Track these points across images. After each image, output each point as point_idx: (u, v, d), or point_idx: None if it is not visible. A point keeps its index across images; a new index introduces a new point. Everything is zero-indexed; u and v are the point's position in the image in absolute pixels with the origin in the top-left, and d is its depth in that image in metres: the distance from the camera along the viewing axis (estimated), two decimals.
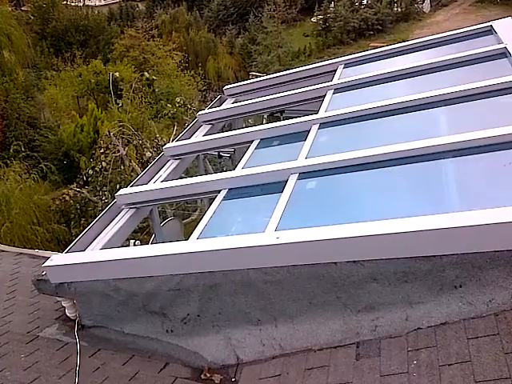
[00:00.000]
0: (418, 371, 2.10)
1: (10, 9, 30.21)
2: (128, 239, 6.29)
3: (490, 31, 4.75)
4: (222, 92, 6.42)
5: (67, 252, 3.48)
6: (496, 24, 4.76)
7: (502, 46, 4.14)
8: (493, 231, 2.17)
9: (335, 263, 2.47)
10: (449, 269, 2.27)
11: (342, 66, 5.47)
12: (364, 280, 2.44)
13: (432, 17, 43.76)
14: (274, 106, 5.32)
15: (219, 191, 3.57)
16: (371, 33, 40.85)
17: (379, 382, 2.15)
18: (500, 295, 2.21)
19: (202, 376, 2.81)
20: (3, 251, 5.37)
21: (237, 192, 3.55)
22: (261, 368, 2.66)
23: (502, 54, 4.07)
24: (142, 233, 11.25)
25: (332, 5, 43.59)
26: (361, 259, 2.42)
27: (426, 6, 45.39)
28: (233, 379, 2.70)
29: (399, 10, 43.63)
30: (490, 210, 2.23)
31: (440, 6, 45.59)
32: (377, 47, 5.85)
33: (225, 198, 3.49)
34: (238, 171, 3.76)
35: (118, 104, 22.06)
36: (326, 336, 2.58)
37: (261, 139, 4.37)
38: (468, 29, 5.05)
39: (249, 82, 6.43)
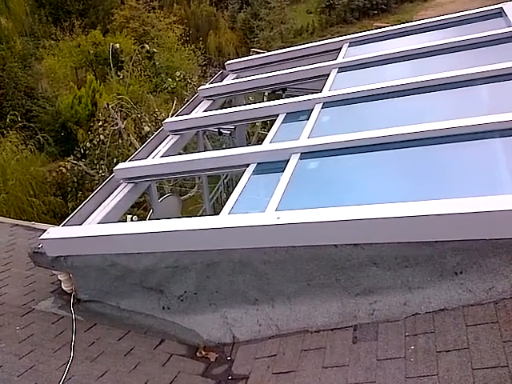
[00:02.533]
0: (415, 357, 2.09)
1: None
2: (125, 214, 6.27)
3: (500, 13, 4.65)
4: (223, 67, 6.32)
5: (64, 225, 3.44)
6: (506, 6, 4.65)
7: (511, 29, 4.05)
8: (496, 218, 2.13)
9: (335, 245, 2.44)
10: (450, 255, 2.25)
11: (347, 44, 5.37)
12: (364, 263, 2.42)
13: None
14: (277, 83, 5.23)
15: (247, 165, 3.45)
16: (375, 12, 40.28)
17: (376, 366, 2.14)
18: (500, 283, 2.20)
19: (197, 354, 2.80)
20: None
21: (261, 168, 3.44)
22: (257, 348, 2.66)
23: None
24: (139, 208, 11.23)
25: None
26: (362, 242, 2.39)
27: None
28: (228, 358, 2.70)
29: None
30: (495, 197, 2.20)
31: None
32: (380, 27, 5.73)
33: (254, 173, 3.37)
34: (264, 146, 3.65)
35: (119, 76, 21.76)
36: (324, 318, 2.57)
37: (287, 113, 4.22)
38: (477, 10, 4.94)
39: (251, 57, 6.33)
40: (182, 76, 19.32)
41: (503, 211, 2.10)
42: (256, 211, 2.77)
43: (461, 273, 2.27)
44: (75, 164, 14.88)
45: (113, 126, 14.47)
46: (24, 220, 6.37)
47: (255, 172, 3.36)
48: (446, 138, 2.91)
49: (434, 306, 2.31)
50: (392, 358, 2.14)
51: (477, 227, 2.18)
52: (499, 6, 4.74)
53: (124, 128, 14.48)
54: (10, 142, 16.22)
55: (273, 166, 3.34)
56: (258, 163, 3.43)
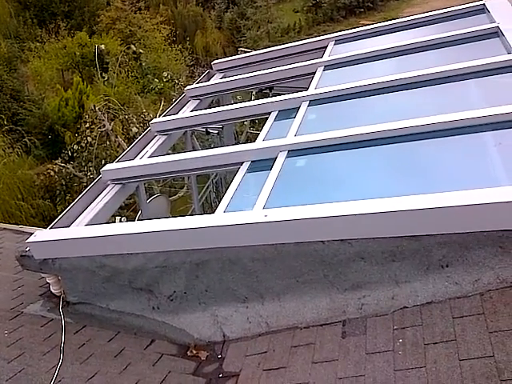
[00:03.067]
0: (403, 349, 2.12)
1: None
2: (114, 216, 6.25)
3: (483, 10, 4.69)
4: (210, 67, 6.31)
5: (51, 228, 3.42)
6: (489, 3, 4.70)
7: (494, 25, 4.10)
8: (481, 211, 2.16)
9: (323, 242, 2.45)
10: (436, 248, 2.28)
11: (333, 42, 5.39)
12: (351, 259, 2.44)
13: None
14: (264, 82, 5.24)
15: (241, 163, 3.42)
16: (362, 10, 40.45)
17: (365, 360, 2.16)
18: (486, 275, 2.23)
19: (188, 353, 2.81)
20: None
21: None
22: (247, 345, 2.67)
23: (494, 33, 4.03)
24: (128, 209, 11.18)
25: None
26: (349, 238, 2.41)
27: None
28: (219, 356, 2.71)
29: None
30: (479, 190, 2.23)
31: None
32: (367, 25, 5.76)
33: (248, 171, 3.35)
34: (257, 143, 3.61)
35: (104, 77, 21.60)
36: (313, 314, 2.58)
37: (279, 111, 4.17)
38: (460, 7, 4.99)
39: (238, 57, 6.32)
40: (169, 76, 19.25)
41: (487, 204, 2.14)
42: (250, 208, 2.75)
43: (447, 266, 2.30)
44: (63, 167, 14.75)
45: (100, 127, 14.38)
46: (12, 224, 6.32)
47: (249, 170, 3.34)
48: (432, 133, 2.94)
49: (422, 300, 2.34)
50: (381, 352, 2.16)
51: (461, 220, 2.20)
52: (481, 2, 4.79)
53: (111, 129, 14.40)
54: None
55: (267, 163, 3.33)
56: (253, 161, 3.41)
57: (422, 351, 2.06)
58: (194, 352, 2.79)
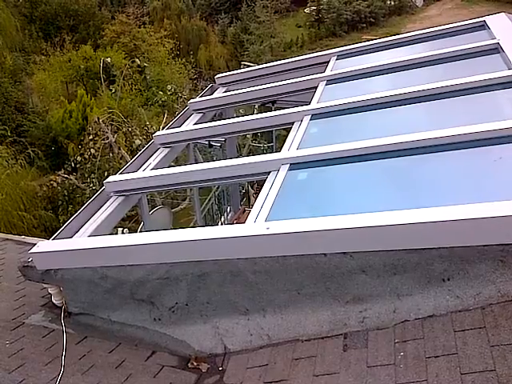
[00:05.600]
0: (404, 363, 2.11)
1: None
2: (116, 227, 6.27)
3: (483, 26, 4.75)
4: (214, 81, 6.38)
5: (54, 239, 3.44)
6: (489, 19, 4.76)
7: (494, 41, 4.15)
8: (482, 225, 2.17)
9: (325, 254, 2.46)
10: (437, 262, 2.28)
11: (335, 57, 5.45)
12: (353, 272, 2.44)
13: (425, 11, 43.90)
14: (266, 96, 5.29)
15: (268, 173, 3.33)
16: (364, 25, 40.91)
17: (366, 373, 2.16)
18: (487, 289, 2.23)
19: (188, 365, 2.80)
20: None
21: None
22: (248, 357, 2.66)
23: (495, 49, 4.08)
24: (131, 221, 11.20)
25: None
26: (350, 251, 2.42)
27: (419, 0, 45.45)
28: (220, 368, 2.70)
29: (392, 3, 43.66)
30: (480, 204, 2.24)
31: (433, 0, 45.68)
32: (369, 40, 5.83)
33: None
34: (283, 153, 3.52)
35: (112, 90, 21.79)
36: (314, 327, 2.58)
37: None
38: (461, 23, 5.05)
39: (241, 71, 6.40)
40: (172, 89, 19.39)
41: (488, 218, 2.15)
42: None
43: (448, 279, 2.31)
44: (66, 178, 14.83)
45: (104, 139, 14.47)
46: (14, 234, 6.33)
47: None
48: (433, 147, 2.97)
49: (423, 313, 2.34)
50: (382, 365, 2.15)
51: (462, 234, 2.21)
52: (482, 19, 4.85)
53: (115, 141, 14.49)
54: (0, 156, 16.14)
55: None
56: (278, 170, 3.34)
57: (423, 365, 2.06)
58: (195, 364, 2.78)
